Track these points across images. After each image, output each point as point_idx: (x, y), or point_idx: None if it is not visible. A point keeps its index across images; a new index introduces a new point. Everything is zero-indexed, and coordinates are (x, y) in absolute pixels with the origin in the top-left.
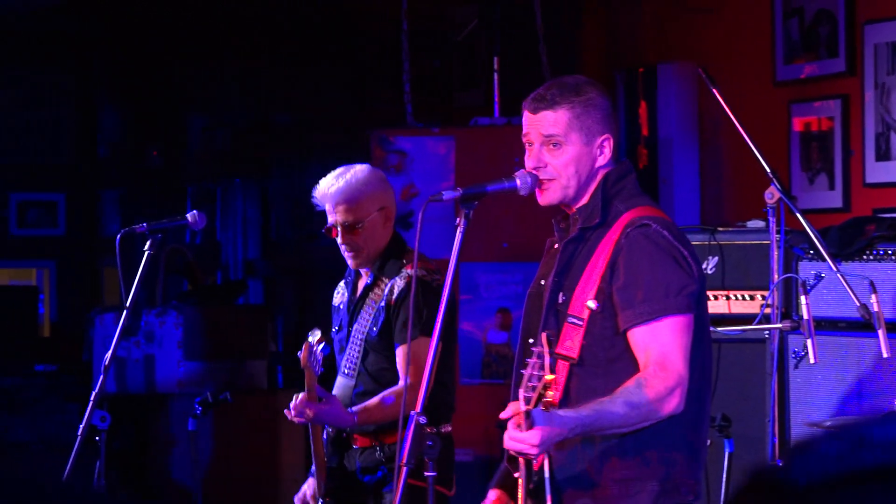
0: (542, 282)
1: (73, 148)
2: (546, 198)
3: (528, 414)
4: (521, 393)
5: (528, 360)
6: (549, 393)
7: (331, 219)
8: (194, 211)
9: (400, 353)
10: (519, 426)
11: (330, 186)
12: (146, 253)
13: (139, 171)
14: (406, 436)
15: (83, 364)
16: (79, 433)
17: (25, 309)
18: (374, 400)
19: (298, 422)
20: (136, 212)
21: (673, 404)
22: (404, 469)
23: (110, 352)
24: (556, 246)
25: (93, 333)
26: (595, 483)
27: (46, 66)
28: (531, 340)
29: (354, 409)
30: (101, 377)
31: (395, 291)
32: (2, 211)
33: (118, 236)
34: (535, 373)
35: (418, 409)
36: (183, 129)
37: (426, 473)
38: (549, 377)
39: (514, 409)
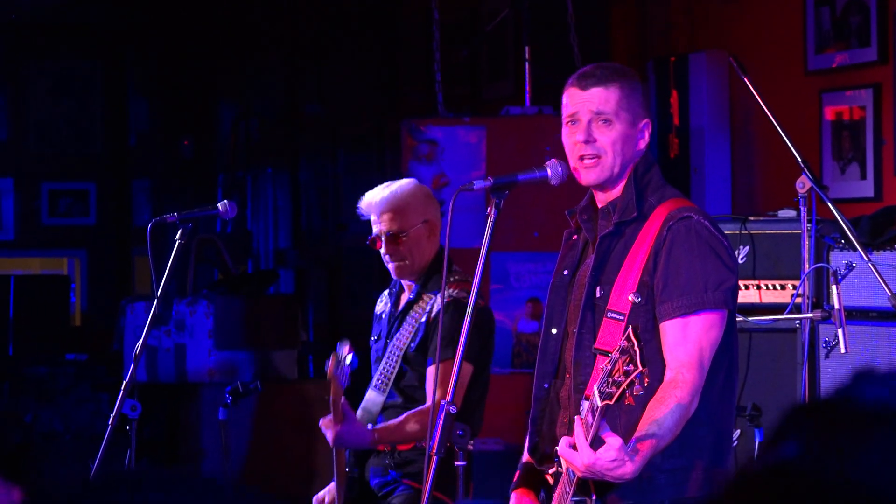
0: (566, 272)
1: (104, 137)
2: (588, 176)
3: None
4: (597, 388)
5: (612, 353)
6: (636, 389)
7: (375, 229)
8: (225, 200)
9: (430, 372)
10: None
11: (376, 196)
12: (177, 242)
13: (170, 161)
14: (436, 425)
15: (114, 353)
16: (109, 422)
17: (56, 298)
18: (397, 420)
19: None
20: (167, 201)
21: (697, 403)
22: (434, 459)
23: (141, 341)
24: (575, 238)
25: (123, 322)
26: (643, 474)
27: (77, 56)
28: (554, 331)
29: (376, 426)
30: (132, 366)
31: (435, 309)
32: (33, 200)
33: (149, 225)
34: (622, 367)
35: (449, 398)
36: (214, 119)
37: (456, 463)
38: (641, 370)
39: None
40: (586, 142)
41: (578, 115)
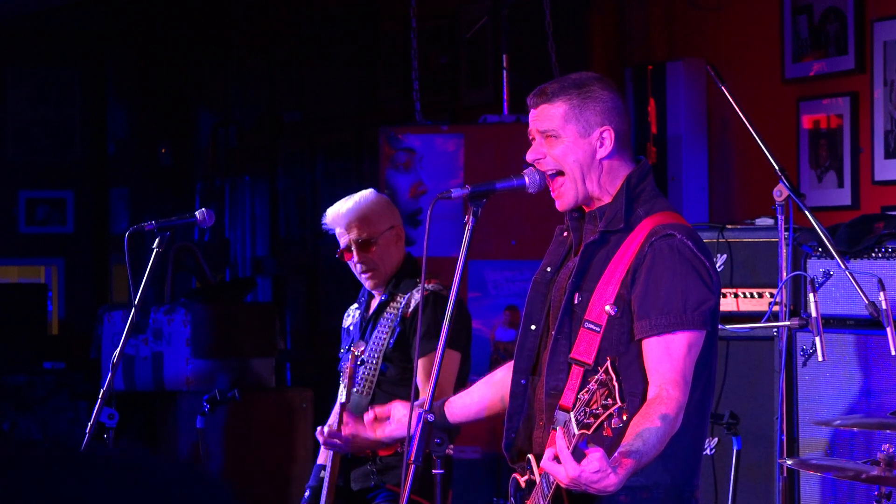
0: (548, 269)
1: (82, 145)
2: (563, 202)
3: (576, 449)
4: (574, 416)
5: (588, 384)
6: (614, 422)
7: (343, 241)
8: (203, 208)
9: (420, 366)
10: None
11: (341, 208)
12: (155, 250)
13: (148, 169)
14: (414, 433)
15: (91, 361)
16: (87, 431)
17: (34, 306)
18: None
19: (330, 446)
20: (145, 209)
21: (680, 421)
22: (412, 467)
23: (118, 349)
24: (566, 234)
25: (101, 331)
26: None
27: (55, 64)
28: (533, 327)
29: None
30: (110, 375)
31: (412, 304)
32: (11, 208)
33: (127, 234)
34: (600, 400)
35: (426, 407)
36: (192, 127)
37: (434, 471)
38: (620, 405)
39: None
40: (536, 160)
41: (532, 134)
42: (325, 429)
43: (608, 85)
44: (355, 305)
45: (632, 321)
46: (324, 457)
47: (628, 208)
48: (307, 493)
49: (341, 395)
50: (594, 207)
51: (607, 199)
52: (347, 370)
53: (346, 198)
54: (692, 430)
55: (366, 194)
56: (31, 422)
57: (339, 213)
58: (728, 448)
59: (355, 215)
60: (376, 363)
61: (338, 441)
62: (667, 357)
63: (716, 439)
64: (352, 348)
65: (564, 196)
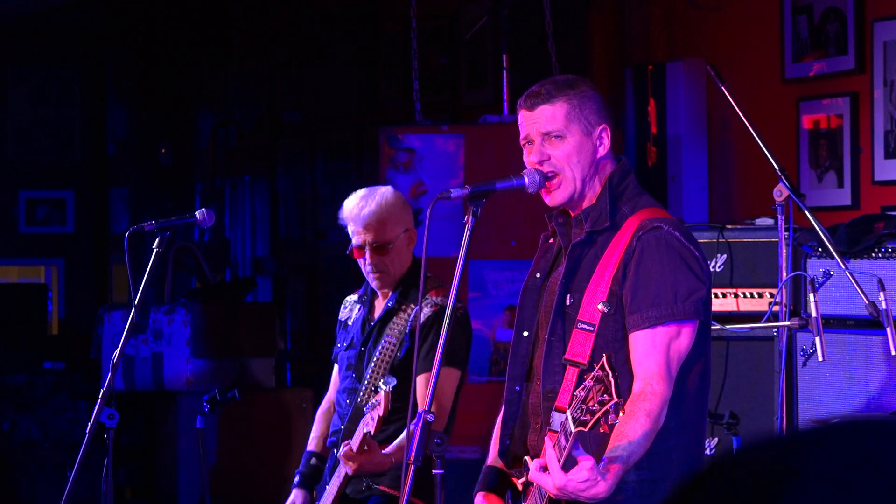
0: (538, 275)
1: (82, 145)
2: (555, 198)
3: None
4: (570, 413)
5: (584, 381)
6: (611, 418)
7: (357, 239)
8: (203, 208)
9: (420, 382)
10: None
11: (362, 208)
12: (155, 250)
13: (148, 169)
14: (414, 433)
15: (91, 361)
16: (87, 431)
17: (34, 306)
18: (404, 436)
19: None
20: (145, 209)
21: (665, 414)
22: (412, 467)
23: (118, 349)
24: (551, 241)
25: (101, 331)
26: None
27: (55, 64)
28: (525, 333)
29: (388, 450)
30: (110, 375)
31: (421, 318)
32: (11, 208)
33: (127, 234)
34: (596, 397)
35: (426, 406)
36: (192, 127)
37: (434, 471)
38: (617, 401)
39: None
40: (540, 162)
41: (530, 136)
42: (346, 449)
43: (594, 86)
44: (355, 298)
45: (625, 317)
46: (314, 444)
47: (612, 207)
48: (297, 479)
49: (368, 425)
50: (579, 210)
51: (591, 201)
52: (383, 406)
53: (367, 194)
54: (694, 421)
55: (386, 194)
56: (31, 422)
57: (358, 213)
58: (728, 448)
59: (375, 218)
60: (383, 374)
61: (352, 464)
62: (652, 350)
63: (716, 439)
64: (383, 387)
65: (560, 191)
